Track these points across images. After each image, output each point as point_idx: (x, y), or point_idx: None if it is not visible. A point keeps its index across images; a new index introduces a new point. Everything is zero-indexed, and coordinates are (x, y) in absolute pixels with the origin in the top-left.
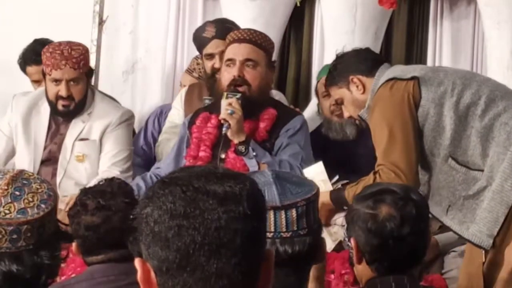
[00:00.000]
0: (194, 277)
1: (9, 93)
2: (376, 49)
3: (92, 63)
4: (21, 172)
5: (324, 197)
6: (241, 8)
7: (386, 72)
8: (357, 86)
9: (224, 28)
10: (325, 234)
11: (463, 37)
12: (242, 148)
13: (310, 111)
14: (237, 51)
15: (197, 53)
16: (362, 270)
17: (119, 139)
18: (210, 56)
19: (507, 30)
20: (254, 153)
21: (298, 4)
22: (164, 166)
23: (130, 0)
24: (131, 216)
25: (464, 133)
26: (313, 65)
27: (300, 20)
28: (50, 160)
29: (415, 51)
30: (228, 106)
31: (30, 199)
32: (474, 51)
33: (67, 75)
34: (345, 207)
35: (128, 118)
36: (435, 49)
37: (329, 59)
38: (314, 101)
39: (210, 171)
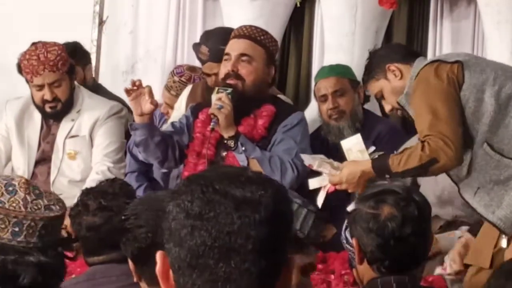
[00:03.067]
0: (202, 278)
1: (8, 93)
2: None
3: (93, 63)
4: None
5: (365, 166)
6: (241, 9)
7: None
8: (394, 73)
9: (218, 50)
10: None
11: (463, 37)
12: (231, 143)
13: (310, 111)
14: (234, 46)
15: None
16: (363, 270)
17: (108, 132)
18: (207, 74)
19: (507, 30)
20: (243, 148)
21: (298, 5)
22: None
23: (130, 0)
24: (122, 217)
25: (503, 122)
26: (313, 66)
27: (300, 20)
28: (44, 159)
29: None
30: (218, 100)
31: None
32: (474, 51)
33: (47, 79)
34: (387, 176)
35: (117, 111)
36: (435, 49)
37: (329, 59)
38: (314, 102)
39: (236, 174)
